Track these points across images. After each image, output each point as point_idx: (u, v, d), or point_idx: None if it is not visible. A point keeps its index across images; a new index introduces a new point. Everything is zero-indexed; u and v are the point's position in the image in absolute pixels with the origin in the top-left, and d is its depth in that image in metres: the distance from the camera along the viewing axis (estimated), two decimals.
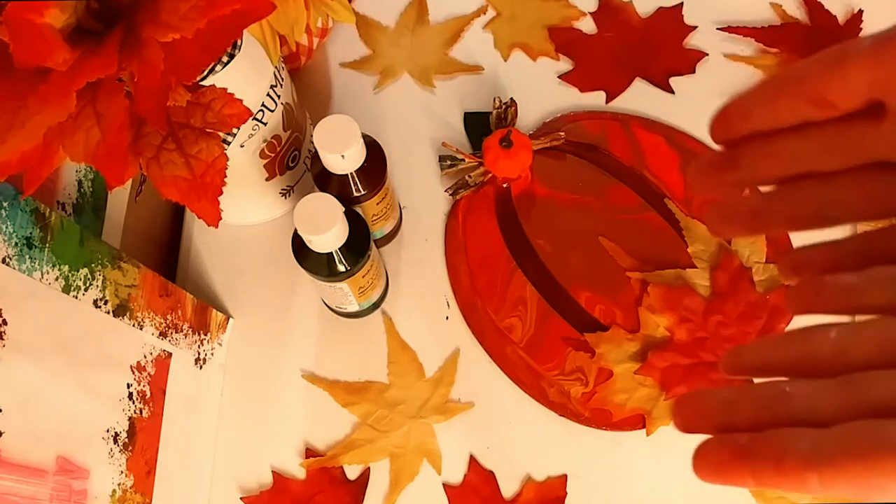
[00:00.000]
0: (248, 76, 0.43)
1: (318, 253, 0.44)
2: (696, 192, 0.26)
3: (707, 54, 0.60)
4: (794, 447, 0.18)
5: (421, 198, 0.57)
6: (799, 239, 0.53)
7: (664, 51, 0.61)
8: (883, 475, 0.16)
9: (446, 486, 0.48)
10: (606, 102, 0.59)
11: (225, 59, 0.39)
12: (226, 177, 0.33)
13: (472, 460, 0.49)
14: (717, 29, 0.61)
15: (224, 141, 0.44)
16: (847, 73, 0.20)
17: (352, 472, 0.49)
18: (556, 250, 0.54)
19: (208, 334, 0.50)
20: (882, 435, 0.17)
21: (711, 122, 0.24)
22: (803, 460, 0.17)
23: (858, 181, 0.22)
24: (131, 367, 0.40)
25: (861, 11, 0.60)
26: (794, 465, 0.18)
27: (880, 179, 0.21)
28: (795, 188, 0.23)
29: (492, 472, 0.48)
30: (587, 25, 0.62)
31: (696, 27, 0.61)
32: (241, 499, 0.49)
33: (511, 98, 0.56)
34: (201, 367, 0.49)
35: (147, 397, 0.41)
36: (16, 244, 0.31)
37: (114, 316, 0.38)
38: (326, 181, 0.46)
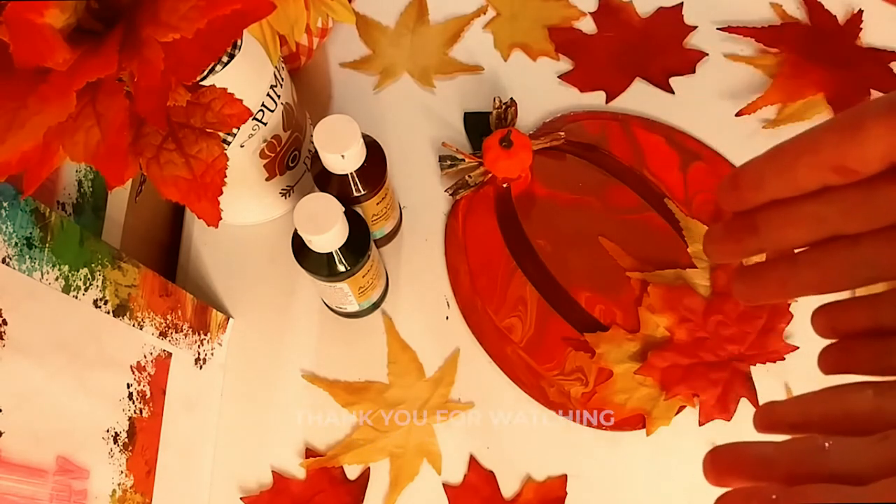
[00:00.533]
0: (248, 76, 0.43)
1: (318, 253, 0.44)
2: (714, 261, 0.25)
3: (707, 54, 0.60)
4: (827, 500, 0.17)
5: (421, 198, 0.57)
6: None
7: (664, 51, 0.61)
8: None
9: (446, 486, 0.48)
10: (606, 102, 0.59)
11: (225, 59, 0.39)
12: (226, 177, 0.33)
13: (472, 460, 0.49)
14: (717, 29, 0.61)
15: (224, 141, 0.44)
16: (864, 140, 0.19)
17: (352, 472, 0.49)
18: (556, 250, 0.54)
19: (208, 334, 0.50)
20: None
21: (721, 190, 0.23)
22: None
23: (887, 240, 0.21)
24: (131, 367, 0.40)
25: (861, 11, 0.60)
26: None
27: None
28: (822, 252, 0.23)
29: (492, 472, 0.48)
30: (587, 25, 0.62)
31: (696, 27, 0.61)
32: (241, 499, 0.49)
33: (511, 98, 0.56)
34: (201, 367, 0.49)
35: (147, 397, 0.41)
36: (16, 244, 0.31)
37: (114, 316, 0.38)
38: (326, 181, 0.46)
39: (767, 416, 0.22)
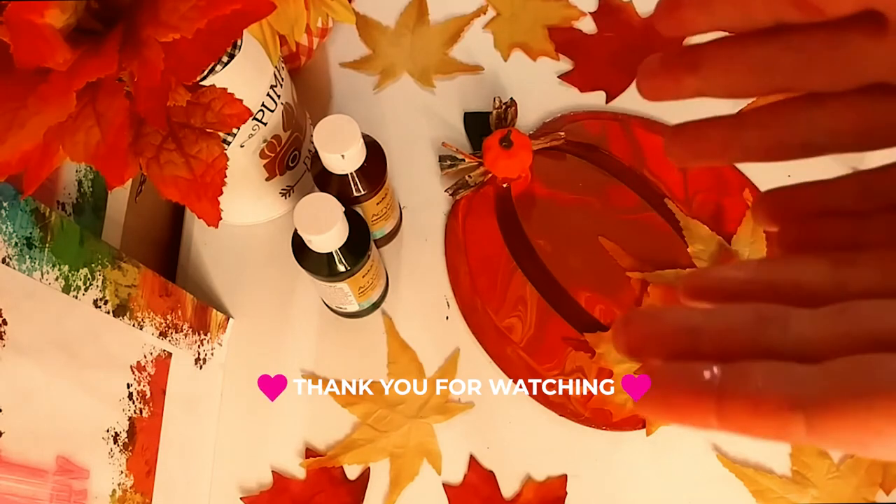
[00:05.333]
0: (248, 76, 0.43)
1: (318, 253, 0.44)
2: (646, 96, 0.21)
3: None
4: (777, 382, 0.14)
5: (421, 198, 0.57)
6: None
7: (664, 51, 0.61)
8: (885, 419, 0.13)
9: (446, 486, 0.48)
10: (606, 102, 0.59)
11: (225, 59, 0.39)
12: (226, 177, 0.33)
13: (472, 460, 0.49)
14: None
15: (224, 141, 0.44)
16: None
17: (352, 472, 0.49)
18: (556, 250, 0.54)
19: (208, 334, 0.50)
20: (887, 371, 0.13)
21: (660, 8, 0.19)
22: (789, 399, 0.14)
23: (852, 104, 0.18)
24: (131, 367, 0.40)
25: None
26: (775, 405, 0.14)
27: (877, 103, 0.18)
28: (775, 110, 0.19)
29: (492, 472, 0.48)
30: (587, 25, 0.62)
31: None
32: (241, 499, 0.49)
33: (511, 98, 0.56)
34: (201, 367, 0.49)
35: (147, 397, 0.41)
36: (16, 244, 0.31)
37: (114, 316, 0.38)
38: (326, 181, 0.46)
39: (699, 281, 0.18)
